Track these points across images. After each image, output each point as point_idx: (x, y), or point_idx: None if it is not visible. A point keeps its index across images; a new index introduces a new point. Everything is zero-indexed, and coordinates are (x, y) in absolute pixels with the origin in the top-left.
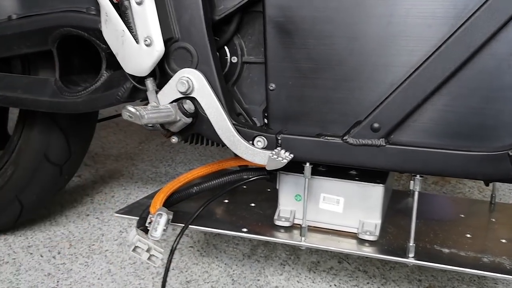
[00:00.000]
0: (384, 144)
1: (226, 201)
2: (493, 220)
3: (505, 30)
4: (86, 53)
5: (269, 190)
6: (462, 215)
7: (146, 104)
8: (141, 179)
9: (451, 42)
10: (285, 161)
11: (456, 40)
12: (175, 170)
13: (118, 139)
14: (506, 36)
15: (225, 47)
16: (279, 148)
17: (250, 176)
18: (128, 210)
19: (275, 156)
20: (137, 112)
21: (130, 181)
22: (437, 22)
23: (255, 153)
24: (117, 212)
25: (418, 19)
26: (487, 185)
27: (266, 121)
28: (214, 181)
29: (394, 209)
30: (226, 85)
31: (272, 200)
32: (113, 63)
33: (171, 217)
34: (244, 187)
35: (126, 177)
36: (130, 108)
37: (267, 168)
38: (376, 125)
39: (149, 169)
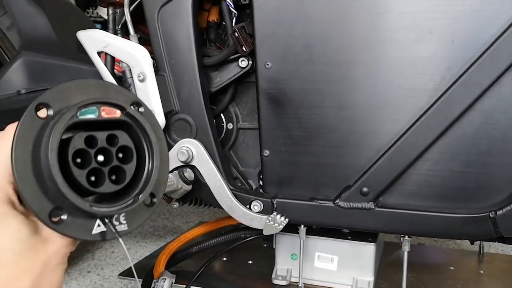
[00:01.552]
0: (373, 207)
1: (225, 259)
2: (482, 272)
3: (480, 101)
4: None
5: (265, 245)
6: (452, 268)
7: None
8: (140, 233)
9: (431, 112)
10: (281, 226)
11: (435, 111)
12: (173, 223)
13: None
14: (481, 106)
15: (221, 115)
16: (275, 213)
17: (248, 236)
18: (131, 272)
19: (272, 222)
20: None
21: (129, 235)
22: (417, 93)
23: (252, 217)
24: (120, 274)
25: (400, 90)
26: (472, 243)
27: (261, 183)
28: (213, 240)
29: (387, 262)
30: (223, 150)
31: (269, 257)
32: None
33: (173, 280)
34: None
35: None
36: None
37: (264, 233)
38: (365, 189)
39: (147, 223)
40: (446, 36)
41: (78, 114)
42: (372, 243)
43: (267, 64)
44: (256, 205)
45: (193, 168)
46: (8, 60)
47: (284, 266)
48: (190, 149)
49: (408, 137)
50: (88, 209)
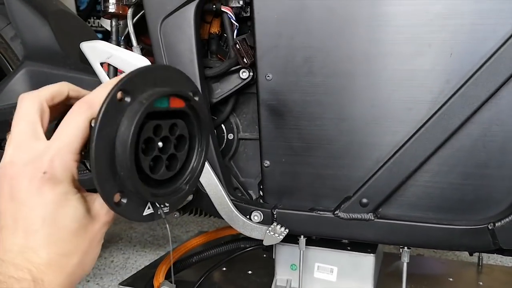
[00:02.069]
0: (372, 218)
1: (224, 269)
2: (481, 283)
3: (478, 113)
4: None
5: (265, 256)
6: (451, 279)
7: None
8: (140, 243)
9: (430, 124)
10: (281, 237)
11: (434, 123)
12: (172, 233)
13: None
14: (479, 118)
15: (222, 125)
16: (275, 224)
17: (247, 246)
18: (131, 282)
19: (272, 233)
20: None
21: (129, 245)
22: (416, 106)
23: (253, 228)
24: (120, 284)
25: (399, 102)
26: (471, 255)
27: (261, 193)
28: (213, 250)
29: (386, 273)
30: (224, 160)
31: (268, 267)
32: None
33: None
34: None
35: (125, 241)
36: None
37: (265, 244)
38: (364, 200)
39: (147, 232)
40: (444, 50)
41: (154, 103)
42: (372, 254)
43: (268, 76)
44: (256, 216)
45: None
46: (11, 70)
47: (283, 276)
48: None
49: (407, 149)
50: (147, 196)
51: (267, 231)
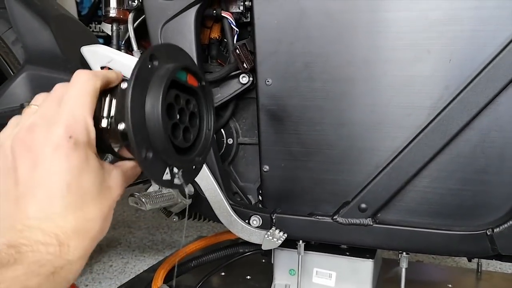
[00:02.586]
0: (371, 224)
1: (223, 273)
2: None
3: (477, 119)
4: None
5: (263, 261)
6: (450, 285)
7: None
8: (138, 248)
9: (429, 130)
10: (280, 241)
11: (433, 129)
12: (171, 238)
13: (115, 206)
14: (478, 124)
15: (222, 130)
16: (273, 229)
17: (246, 250)
18: (129, 286)
19: (270, 237)
20: (142, 199)
21: (128, 249)
22: (415, 111)
23: (251, 232)
24: None
25: (398, 108)
26: (470, 260)
27: (260, 198)
28: (211, 255)
29: (385, 279)
30: (223, 165)
31: (267, 272)
32: None
33: None
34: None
35: (124, 246)
36: (135, 195)
37: (263, 248)
38: (363, 205)
39: (146, 237)
40: (443, 56)
41: (177, 72)
42: (370, 260)
43: (268, 81)
44: (255, 220)
45: (193, 182)
46: (12, 74)
47: (282, 281)
48: None
49: (406, 154)
50: (171, 152)
51: (266, 236)
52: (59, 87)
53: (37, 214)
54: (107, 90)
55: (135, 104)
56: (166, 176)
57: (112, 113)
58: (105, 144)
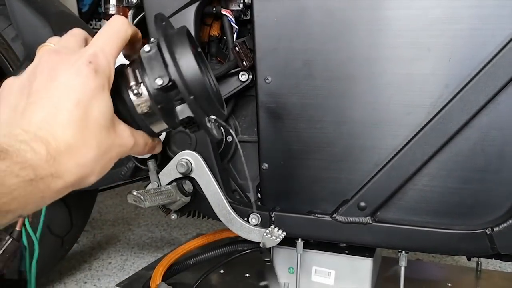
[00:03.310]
0: (370, 222)
1: (222, 271)
2: None
3: (477, 118)
4: None
5: (266, 260)
6: (449, 284)
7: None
8: (138, 245)
9: (429, 128)
10: (278, 240)
11: (433, 127)
12: (171, 235)
13: (115, 203)
14: (478, 123)
15: (221, 128)
16: (272, 227)
17: (245, 248)
18: (127, 283)
19: (269, 235)
20: (141, 197)
21: (127, 246)
22: (415, 110)
23: (250, 230)
24: (117, 285)
25: (398, 106)
26: (469, 259)
27: (260, 196)
28: (210, 253)
29: (384, 277)
30: (222, 163)
31: (266, 269)
32: None
33: None
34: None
35: (123, 243)
36: (134, 193)
37: (262, 246)
38: (362, 203)
39: (145, 234)
40: (443, 54)
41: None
42: (369, 258)
43: (267, 79)
44: (254, 218)
45: (192, 180)
46: (12, 70)
47: (281, 279)
48: (190, 161)
49: (405, 153)
50: (213, 95)
51: (265, 234)
52: (76, 30)
53: (39, 122)
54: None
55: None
56: (208, 124)
57: (140, 80)
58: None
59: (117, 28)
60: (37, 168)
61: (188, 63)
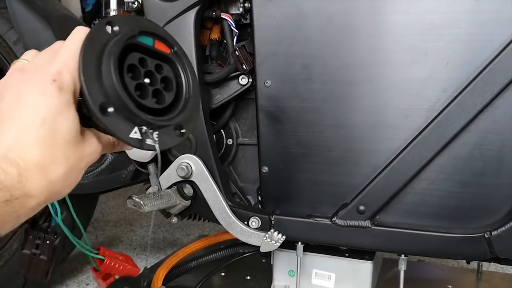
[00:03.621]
0: (369, 226)
1: (223, 274)
2: None
3: (475, 122)
4: None
5: (263, 260)
6: (450, 286)
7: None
8: (140, 246)
9: (427, 132)
10: (278, 244)
11: (431, 131)
12: (173, 236)
13: (117, 204)
14: (476, 127)
15: (221, 131)
16: (272, 230)
17: (246, 251)
18: (129, 285)
19: (269, 240)
20: (140, 202)
21: (129, 247)
22: (413, 114)
23: (250, 234)
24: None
25: (396, 110)
26: (468, 263)
27: (260, 199)
28: (211, 255)
29: (384, 279)
30: (222, 166)
31: (267, 272)
32: None
33: None
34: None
35: (125, 244)
36: (134, 198)
37: (262, 250)
38: (362, 207)
39: (147, 235)
40: (441, 58)
41: (138, 37)
42: (370, 261)
43: (267, 82)
44: (254, 222)
45: (192, 183)
46: None
47: (281, 282)
48: (190, 165)
49: (404, 157)
50: (131, 107)
51: (264, 238)
52: (58, 43)
53: (7, 141)
54: None
55: (89, 61)
56: (135, 135)
57: None
58: (85, 116)
59: (79, 41)
60: (11, 189)
61: (107, 70)
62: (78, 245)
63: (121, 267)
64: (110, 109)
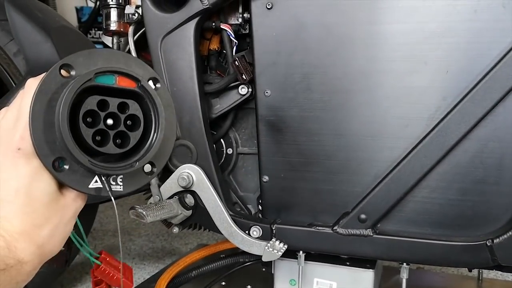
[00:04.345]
0: (371, 234)
1: (224, 283)
2: None
3: (475, 130)
4: None
5: (264, 270)
6: None
7: (149, 197)
8: (138, 255)
9: (427, 141)
10: (280, 253)
11: (431, 139)
12: (171, 245)
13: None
14: (476, 135)
15: (221, 140)
16: (273, 240)
17: (246, 260)
18: None
19: (271, 249)
20: (143, 212)
21: (128, 257)
22: (413, 122)
23: (252, 243)
24: None
25: (396, 119)
26: (470, 271)
27: (260, 208)
28: (212, 265)
29: (386, 287)
30: (223, 175)
31: (268, 281)
32: None
33: None
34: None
35: (124, 254)
36: (137, 208)
37: (263, 260)
38: (363, 216)
39: (146, 244)
40: (440, 67)
41: (95, 78)
42: (371, 270)
43: (266, 92)
44: (255, 231)
45: (193, 193)
46: (14, 85)
47: None
48: (191, 175)
49: (405, 165)
50: (84, 162)
51: (266, 247)
52: (19, 97)
53: None
54: None
55: (39, 117)
56: (95, 184)
57: None
58: None
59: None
60: (5, 259)
61: (58, 124)
62: (80, 247)
63: (115, 277)
64: (66, 166)
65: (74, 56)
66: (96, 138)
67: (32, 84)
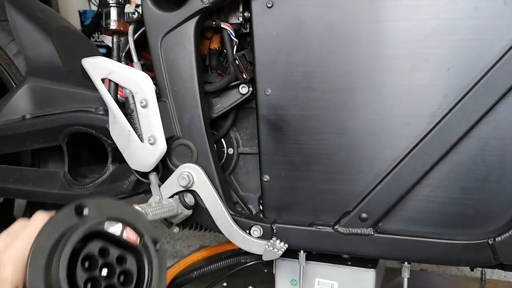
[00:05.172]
0: (372, 233)
1: (225, 284)
2: None
3: (477, 128)
4: (92, 145)
5: (265, 271)
6: None
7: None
8: None
9: (428, 139)
10: (281, 252)
11: (433, 138)
12: (174, 248)
13: None
14: (478, 133)
15: (222, 140)
16: (274, 239)
17: (248, 260)
18: None
19: (271, 248)
20: (144, 211)
21: None
22: (415, 120)
23: (252, 243)
24: None
25: (398, 117)
26: (472, 270)
27: (261, 208)
28: (213, 265)
29: None
30: (223, 175)
31: (269, 282)
32: (118, 157)
33: None
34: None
35: None
36: (137, 208)
37: (264, 259)
38: (364, 215)
39: None
40: (442, 65)
41: (105, 226)
42: (372, 269)
43: (267, 91)
44: (256, 230)
45: (193, 193)
46: (14, 85)
47: None
48: (191, 174)
49: (406, 163)
50: None
51: (266, 246)
52: (18, 224)
53: None
54: None
55: (39, 254)
56: None
57: None
58: None
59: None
60: None
61: (56, 265)
62: None
63: None
64: None
65: (87, 200)
66: (88, 285)
67: (41, 218)
